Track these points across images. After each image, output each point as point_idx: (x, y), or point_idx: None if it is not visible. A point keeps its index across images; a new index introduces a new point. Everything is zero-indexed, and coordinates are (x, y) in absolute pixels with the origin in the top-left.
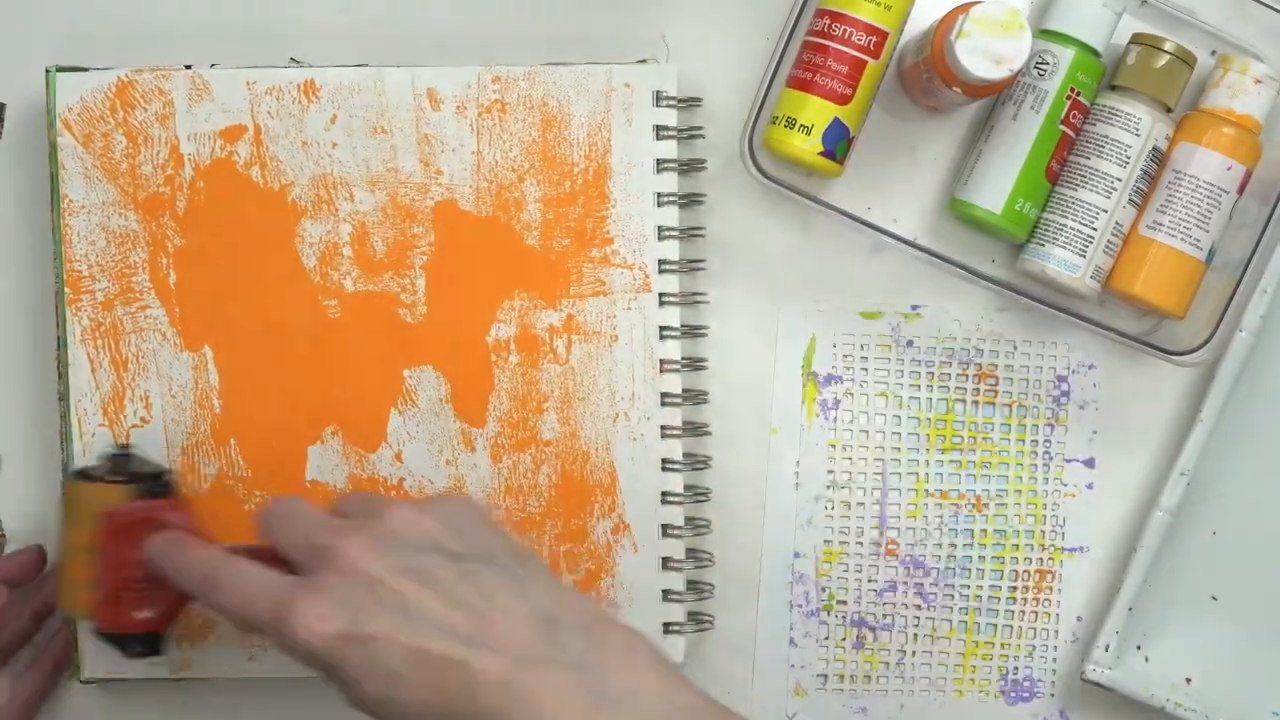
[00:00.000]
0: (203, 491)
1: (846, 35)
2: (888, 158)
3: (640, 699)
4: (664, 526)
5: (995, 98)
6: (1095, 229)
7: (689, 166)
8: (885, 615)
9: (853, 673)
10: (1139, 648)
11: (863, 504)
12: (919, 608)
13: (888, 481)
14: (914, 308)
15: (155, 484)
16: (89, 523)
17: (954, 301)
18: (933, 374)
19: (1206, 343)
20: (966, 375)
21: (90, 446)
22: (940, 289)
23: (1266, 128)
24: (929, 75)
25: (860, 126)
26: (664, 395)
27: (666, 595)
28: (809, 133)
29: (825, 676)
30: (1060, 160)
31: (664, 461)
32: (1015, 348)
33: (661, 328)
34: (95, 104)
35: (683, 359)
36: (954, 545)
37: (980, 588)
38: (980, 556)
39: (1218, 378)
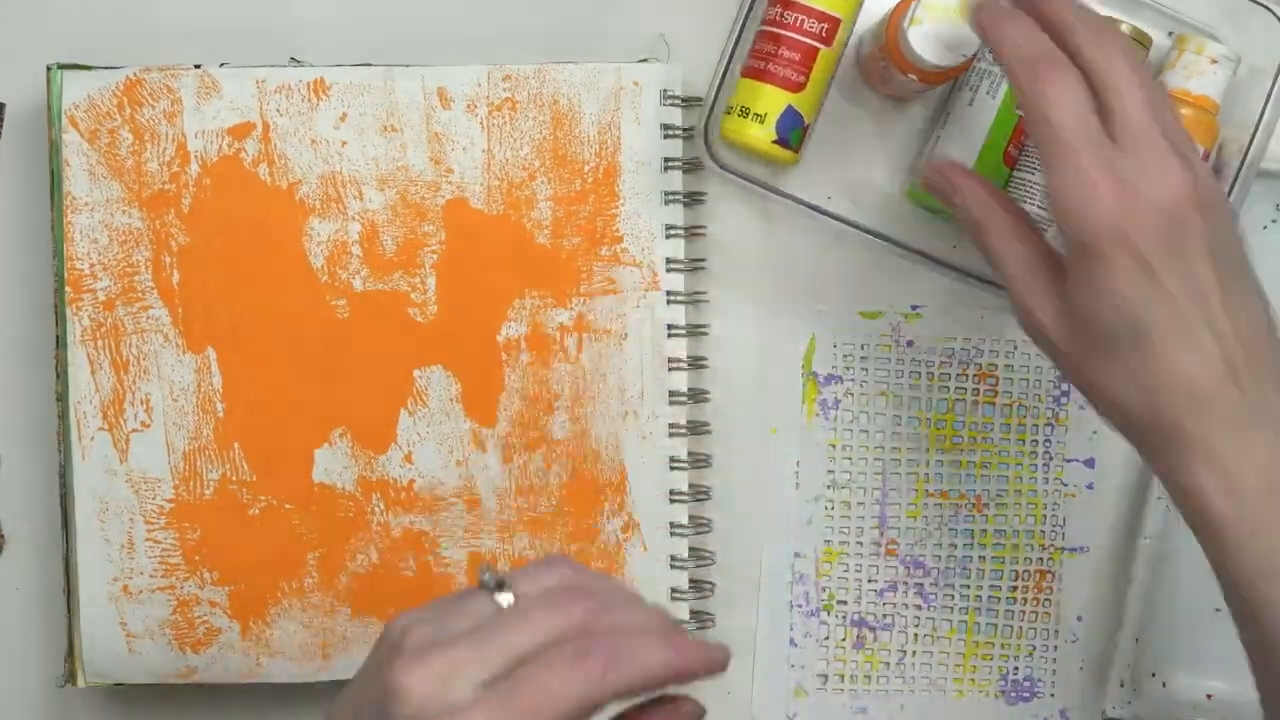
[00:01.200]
0: (206, 497)
1: (798, 23)
2: (848, 147)
3: None
4: (671, 525)
5: (952, 84)
6: None
7: (691, 165)
8: (885, 615)
9: (853, 673)
10: (1154, 675)
11: (863, 504)
12: (919, 608)
13: (888, 481)
14: (914, 308)
15: None
16: None
17: (954, 301)
18: (933, 374)
19: None
20: (966, 375)
21: (89, 450)
22: (941, 288)
23: (1223, 108)
24: (885, 63)
25: (815, 114)
26: (671, 393)
27: (674, 594)
28: (763, 121)
29: (825, 676)
30: (1018, 145)
31: (671, 460)
32: (1015, 348)
33: (669, 326)
34: (102, 101)
35: (687, 357)
36: (954, 545)
37: (980, 588)
38: (980, 556)
39: None
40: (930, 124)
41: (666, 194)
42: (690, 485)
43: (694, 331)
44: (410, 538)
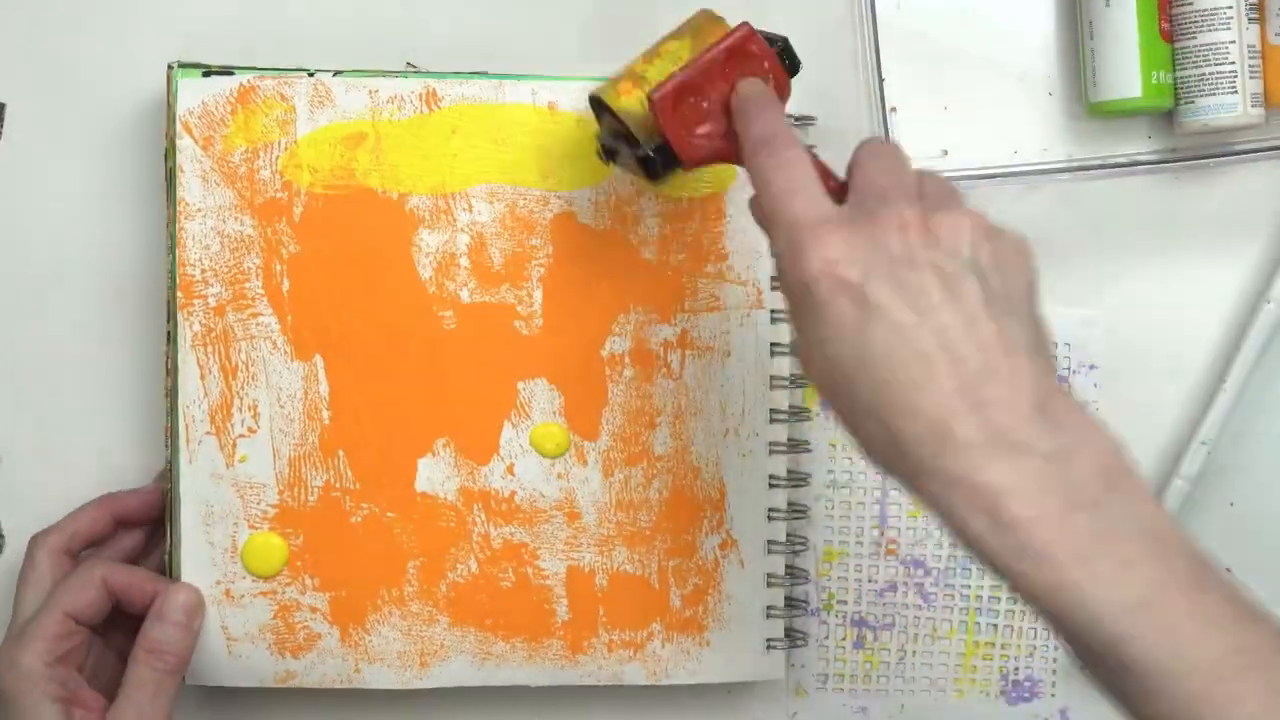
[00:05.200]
0: (309, 504)
1: None
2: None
3: (1121, 511)
4: (769, 543)
5: None
6: (1232, 62)
7: None
8: (885, 615)
9: (853, 673)
10: None
11: (863, 504)
12: (919, 607)
13: (888, 481)
14: None
15: (789, 57)
16: (710, 33)
17: None
18: None
19: None
20: None
21: (196, 454)
22: None
23: None
24: None
25: None
26: (773, 411)
27: (770, 611)
28: None
29: (825, 676)
30: (1167, 18)
31: (770, 478)
32: None
33: (772, 344)
34: (216, 108)
35: (790, 375)
36: (954, 545)
37: (980, 588)
38: None
39: (1244, 348)
40: (1067, 42)
41: None
42: (789, 503)
43: (798, 350)
44: (510, 549)
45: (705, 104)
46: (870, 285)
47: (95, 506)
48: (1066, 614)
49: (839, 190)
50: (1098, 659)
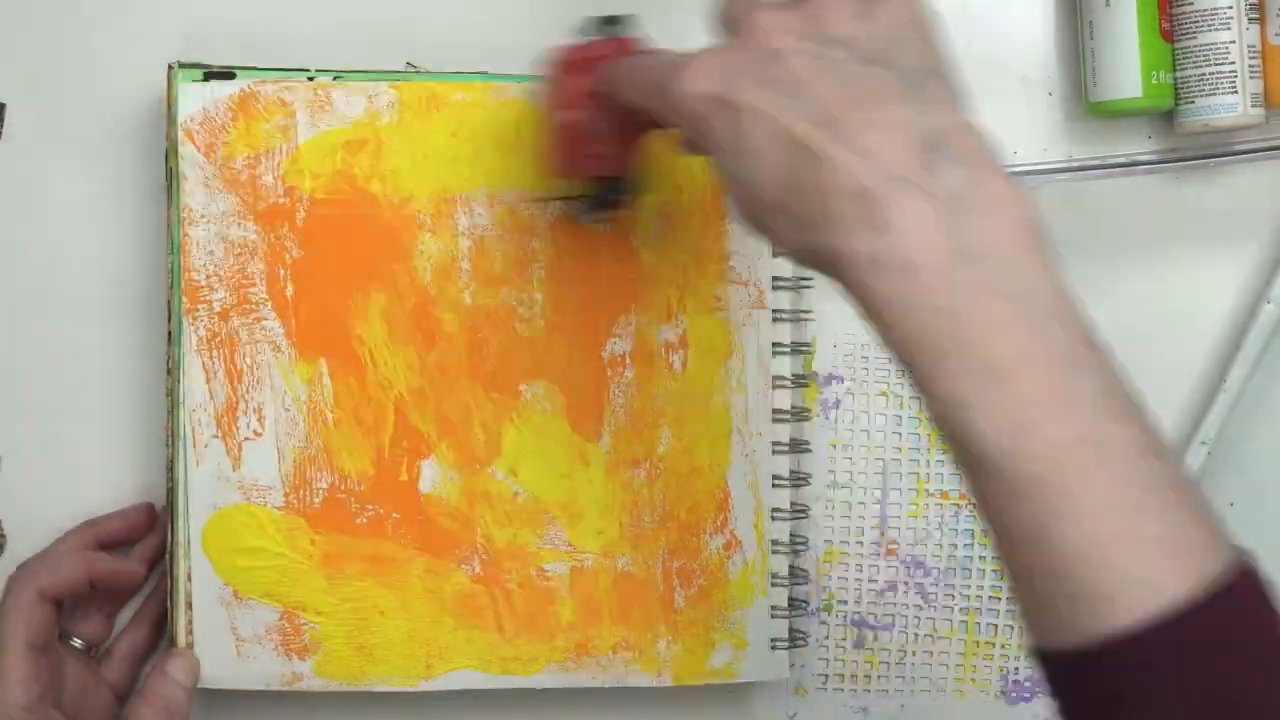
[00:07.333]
0: (314, 506)
1: None
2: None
3: (1007, 269)
4: (773, 543)
5: None
6: (1232, 62)
7: None
8: (885, 615)
9: (853, 673)
10: None
11: (863, 504)
12: (919, 608)
13: (888, 481)
14: None
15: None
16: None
17: None
18: None
19: None
20: None
21: (204, 457)
22: None
23: None
24: None
25: None
26: (775, 411)
27: (774, 612)
28: None
29: (825, 676)
30: (1168, 18)
31: (774, 478)
32: None
33: (774, 344)
34: (217, 114)
35: (791, 375)
36: (954, 545)
37: (981, 588)
38: (981, 556)
39: (1244, 348)
40: (1066, 44)
41: None
42: (791, 504)
43: (798, 350)
44: (513, 550)
45: (595, 128)
46: (735, 93)
47: (77, 534)
48: (922, 370)
49: None
50: (951, 441)
